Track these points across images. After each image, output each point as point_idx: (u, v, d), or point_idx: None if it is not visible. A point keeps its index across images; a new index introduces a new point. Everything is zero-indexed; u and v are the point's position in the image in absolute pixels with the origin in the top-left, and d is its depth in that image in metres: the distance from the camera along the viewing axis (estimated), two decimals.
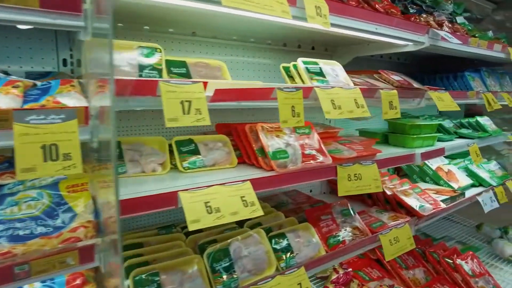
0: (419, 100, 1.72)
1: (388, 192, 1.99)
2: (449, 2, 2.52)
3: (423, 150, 1.81)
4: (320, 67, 1.37)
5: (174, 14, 1.36)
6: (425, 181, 2.53)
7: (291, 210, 1.79)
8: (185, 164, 1.30)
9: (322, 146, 1.44)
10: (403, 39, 1.63)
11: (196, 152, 1.35)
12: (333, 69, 1.42)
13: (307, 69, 1.33)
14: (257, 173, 1.23)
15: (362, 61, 2.38)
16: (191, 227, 0.95)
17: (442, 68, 2.83)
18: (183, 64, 1.26)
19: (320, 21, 1.15)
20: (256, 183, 1.17)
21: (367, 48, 1.94)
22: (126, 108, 0.90)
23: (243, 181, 1.13)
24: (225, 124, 1.55)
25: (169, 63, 1.24)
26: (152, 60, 1.17)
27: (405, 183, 2.17)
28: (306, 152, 1.36)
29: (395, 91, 1.50)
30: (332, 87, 1.26)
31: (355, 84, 1.44)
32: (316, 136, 1.46)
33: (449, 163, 2.64)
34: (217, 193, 1.06)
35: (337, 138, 1.71)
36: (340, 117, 1.22)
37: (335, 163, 1.41)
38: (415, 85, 1.66)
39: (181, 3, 0.97)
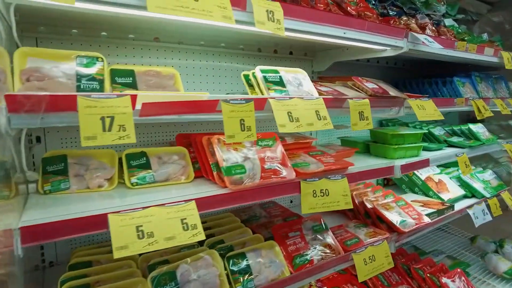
0: (398, 109, 1.61)
1: (369, 206, 1.88)
2: (442, 3, 2.40)
3: (403, 161, 1.70)
4: (280, 76, 1.27)
5: (124, 20, 1.28)
6: (414, 192, 2.40)
7: (262, 225, 1.69)
8: (134, 179, 1.22)
9: (286, 159, 1.34)
10: (379, 43, 1.52)
11: (146, 166, 1.26)
12: (295, 77, 1.33)
13: (265, 78, 1.24)
14: (209, 190, 1.14)
15: (346, 66, 2.28)
16: (116, 255, 0.87)
17: (436, 73, 2.71)
18: (130, 73, 1.18)
19: (272, 27, 1.05)
20: (204, 203, 1.08)
21: (345, 53, 1.84)
22: (44, 125, 0.82)
23: (187, 200, 1.04)
24: (185, 134, 1.46)
25: (115, 73, 1.16)
26: (92, 70, 1.09)
27: (389, 195, 2.06)
28: (267, 166, 1.27)
29: (366, 101, 1.40)
30: (290, 97, 1.16)
31: (321, 94, 1.34)
32: (280, 149, 1.36)
33: (440, 173, 2.51)
34: (153, 215, 0.97)
35: (310, 149, 1.61)
36: (297, 131, 1.13)
37: (299, 178, 1.31)
38: (392, 93, 1.55)
39: (101, 8, 0.88)
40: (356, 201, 1.95)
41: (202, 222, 1.61)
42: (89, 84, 1.07)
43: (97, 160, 1.25)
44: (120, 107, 0.85)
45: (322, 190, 1.34)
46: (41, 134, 1.39)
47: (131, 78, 1.17)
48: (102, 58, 1.11)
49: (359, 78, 1.56)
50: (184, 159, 1.35)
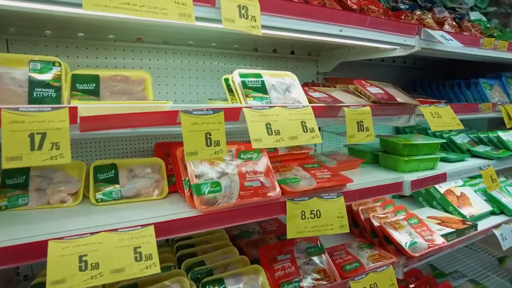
0: (407, 117, 1.40)
1: (376, 223, 1.68)
2: None
3: (414, 176, 1.49)
4: (262, 81, 1.11)
5: (100, 21, 1.17)
6: (432, 206, 2.16)
7: (253, 243, 1.54)
8: (99, 195, 1.11)
9: (272, 174, 1.18)
10: (384, 42, 1.33)
11: (114, 180, 1.15)
12: (282, 82, 1.16)
13: (244, 84, 1.08)
14: (176, 213, 1.01)
15: (356, 66, 2.07)
16: None
17: (461, 72, 2.43)
18: (94, 79, 1.07)
19: (245, 25, 0.90)
20: (166, 227, 0.95)
21: (351, 53, 1.65)
22: None
23: (145, 225, 0.91)
24: (166, 143, 1.34)
25: (76, 78, 1.05)
26: (48, 76, 0.98)
27: (401, 211, 1.84)
28: (247, 183, 1.11)
29: (366, 109, 1.21)
30: (271, 106, 1.01)
31: (311, 101, 1.17)
32: (264, 162, 1.20)
33: (463, 185, 2.25)
34: (101, 242, 0.85)
35: (305, 161, 1.44)
36: (277, 145, 0.97)
37: (285, 197, 1.15)
38: (400, 99, 1.35)
39: (36, 7, 0.77)
40: (362, 217, 1.76)
41: (187, 238, 1.50)
42: (43, 92, 0.96)
43: (64, 172, 1.15)
44: (55, 121, 0.73)
45: (313, 211, 1.17)
46: None
47: (94, 84, 1.05)
48: (59, 63, 1.00)
49: (362, 81, 1.37)
50: (159, 172, 1.23)
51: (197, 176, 1.08)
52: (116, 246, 0.86)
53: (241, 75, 1.09)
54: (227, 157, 1.16)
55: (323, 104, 1.13)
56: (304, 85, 1.69)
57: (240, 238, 1.59)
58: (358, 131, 1.19)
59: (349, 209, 1.77)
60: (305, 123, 1.04)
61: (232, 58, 1.67)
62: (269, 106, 1.00)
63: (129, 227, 0.90)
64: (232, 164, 1.15)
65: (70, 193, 1.11)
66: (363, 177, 1.51)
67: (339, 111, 1.17)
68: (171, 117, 0.86)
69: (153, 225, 0.93)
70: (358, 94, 1.36)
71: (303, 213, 1.16)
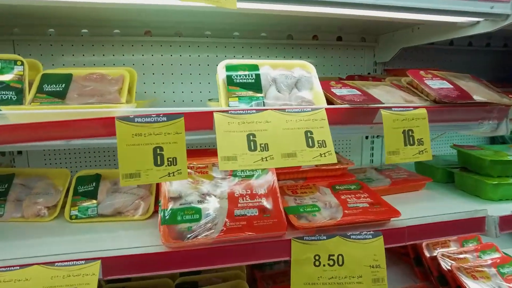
0: (496, 122, 0.93)
1: (445, 266, 1.22)
2: None
3: (506, 209, 1.00)
4: (257, 74, 0.81)
5: (103, 13, 1.03)
6: None
7: (272, 277, 1.25)
8: (74, 211, 0.96)
9: (278, 199, 0.88)
10: (463, 13, 0.89)
11: (93, 194, 0.98)
12: (289, 75, 0.83)
13: (230, 80, 0.80)
14: (137, 245, 0.79)
15: (426, 53, 1.58)
16: None
17: None
18: (65, 79, 0.91)
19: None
20: (117, 265, 0.74)
21: (416, 34, 1.22)
22: None
23: (89, 260, 0.71)
24: None
25: (46, 79, 0.90)
26: (8, 76, 0.86)
27: (489, 250, 1.33)
28: (239, 211, 0.84)
29: (420, 112, 0.81)
30: (259, 110, 0.70)
31: (331, 100, 0.81)
32: (270, 181, 0.90)
33: None
34: (29, 279, 0.68)
35: (340, 179, 1.09)
36: (261, 167, 0.67)
37: (292, 233, 0.84)
38: (479, 97, 0.89)
39: None
40: (427, 255, 1.31)
41: (195, 273, 1.26)
42: (2, 94, 0.84)
43: (47, 182, 1.04)
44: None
45: (332, 256, 0.83)
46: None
47: (63, 85, 0.90)
48: (21, 62, 0.87)
49: (420, 72, 0.95)
50: (147, 187, 1.03)
51: (173, 199, 0.84)
52: (47, 285, 0.67)
53: (229, 68, 0.81)
54: (218, 174, 0.90)
55: (347, 106, 0.78)
56: (348, 77, 1.32)
57: (260, 270, 1.31)
58: (406, 144, 0.80)
59: None
60: (311, 133, 0.71)
61: (259, 50, 1.39)
62: (255, 110, 0.70)
63: (69, 261, 0.72)
64: (223, 183, 0.88)
65: (47, 206, 0.99)
66: (425, 205, 1.09)
67: (374, 115, 0.80)
68: (105, 126, 0.64)
69: (100, 261, 0.73)
70: (414, 90, 0.95)
71: (317, 258, 0.83)
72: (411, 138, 0.81)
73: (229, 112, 0.69)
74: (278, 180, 1.06)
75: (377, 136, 1.55)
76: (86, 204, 0.97)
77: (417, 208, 1.07)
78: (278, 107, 0.73)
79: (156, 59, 1.31)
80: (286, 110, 0.72)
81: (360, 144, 1.55)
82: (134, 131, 0.64)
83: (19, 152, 1.26)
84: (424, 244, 1.33)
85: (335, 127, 0.75)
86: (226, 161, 0.65)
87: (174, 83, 1.34)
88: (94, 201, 0.97)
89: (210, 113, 0.68)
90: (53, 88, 0.89)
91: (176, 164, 0.66)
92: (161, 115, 0.66)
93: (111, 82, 0.92)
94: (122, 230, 0.91)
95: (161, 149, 0.66)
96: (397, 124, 0.80)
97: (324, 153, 0.70)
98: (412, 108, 0.82)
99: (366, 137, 1.55)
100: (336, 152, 1.25)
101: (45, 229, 0.91)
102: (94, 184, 1.00)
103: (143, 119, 0.65)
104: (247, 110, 0.70)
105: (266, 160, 0.67)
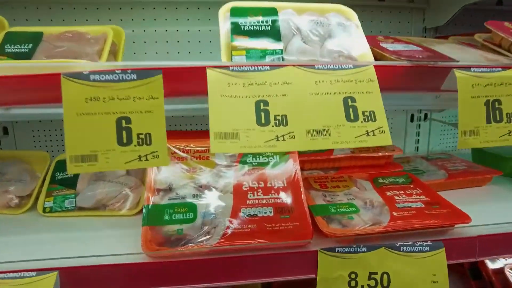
0: None
1: None
2: None
3: None
4: (274, 20, 0.57)
5: None
6: None
7: (297, 286, 1.03)
8: (49, 203, 0.79)
9: (303, 195, 0.65)
10: None
11: (72, 182, 0.80)
12: (321, 23, 0.59)
13: (237, 27, 0.56)
14: (112, 253, 0.60)
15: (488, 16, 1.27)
16: None
17: None
18: (34, 38, 0.72)
19: None
20: (78, 278, 0.55)
21: None
22: None
23: (43, 271, 0.53)
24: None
25: (10, 38, 0.72)
26: None
27: None
28: (246, 211, 0.62)
29: None
30: (274, 66, 0.47)
31: (382, 57, 0.57)
32: (291, 171, 0.68)
33: None
34: None
35: (384, 171, 0.85)
36: (275, 149, 0.44)
37: (320, 242, 0.61)
38: None
39: None
40: (490, 266, 1.04)
41: None
42: None
43: (24, 166, 0.87)
44: None
45: (374, 274, 0.61)
46: (8, 125, 1.11)
47: (30, 45, 0.70)
48: None
49: (506, 24, 0.68)
50: (139, 175, 0.84)
51: (160, 191, 0.64)
52: None
53: (235, 11, 0.58)
54: (222, 160, 0.68)
55: (405, 63, 0.53)
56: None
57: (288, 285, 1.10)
58: (489, 121, 0.54)
59: None
60: (353, 101, 0.47)
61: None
62: (269, 66, 0.47)
63: (16, 272, 0.53)
64: (228, 173, 0.67)
65: (19, 195, 0.82)
66: (496, 207, 0.82)
67: (443, 79, 0.55)
68: (48, 82, 0.44)
69: (57, 272, 0.54)
70: (496, 48, 0.68)
71: (353, 276, 0.60)
72: (497, 112, 0.55)
73: (230, 68, 0.47)
74: (302, 170, 0.83)
75: (425, 118, 1.28)
76: (63, 194, 0.79)
77: (486, 210, 0.81)
78: (302, 62, 0.50)
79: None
80: (316, 67, 0.49)
81: (403, 128, 1.28)
82: (88, 93, 0.43)
83: (5, 133, 1.11)
84: None
85: (386, 94, 0.50)
86: (221, 139, 0.43)
87: (180, 52, 1.12)
88: (73, 191, 0.79)
89: (202, 70, 0.47)
90: (17, 49, 0.70)
91: (150, 144, 0.45)
92: (128, 72, 0.45)
93: (90, 42, 0.72)
94: (103, 229, 0.72)
95: (128, 121, 0.45)
96: (478, 91, 0.54)
97: (373, 130, 0.46)
98: (500, 69, 0.56)
99: (411, 119, 1.27)
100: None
101: (11, 224, 0.74)
102: None
103: (102, 77, 0.44)
104: (257, 65, 0.47)
105: (284, 140, 0.44)
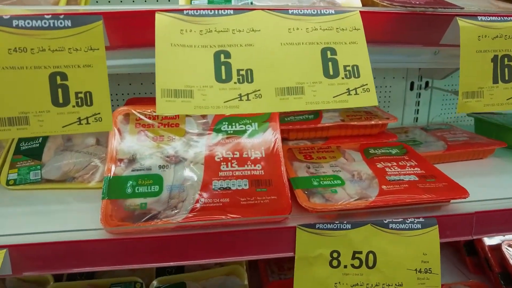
0: None
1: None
2: None
3: None
4: None
5: None
6: None
7: (283, 262, 0.99)
8: (13, 175, 0.73)
9: (282, 166, 0.59)
10: None
11: (38, 153, 0.74)
12: None
13: None
14: (71, 228, 0.55)
15: None
16: None
17: None
18: None
19: None
20: (31, 257, 0.50)
21: None
22: None
23: None
24: (139, 99, 0.86)
25: None
26: None
27: None
28: (219, 183, 0.56)
29: None
30: (239, 10, 0.39)
31: (374, 3, 0.48)
32: (270, 140, 0.61)
33: None
34: None
35: (377, 141, 0.78)
36: (241, 110, 0.37)
37: (300, 218, 0.56)
38: None
39: None
40: (487, 242, 1.00)
41: None
42: None
43: None
44: None
45: (359, 253, 0.55)
46: None
47: None
48: None
49: None
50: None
51: (122, 162, 0.57)
52: None
53: None
54: (193, 128, 0.61)
55: (398, 9, 0.45)
56: None
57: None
58: (496, 80, 0.47)
59: None
60: (333, 53, 0.39)
61: None
62: (233, 10, 0.39)
63: None
64: (200, 142, 0.60)
65: None
66: (496, 181, 0.76)
67: (443, 30, 0.47)
68: None
69: (6, 250, 0.49)
70: None
71: (335, 255, 0.55)
72: (506, 69, 0.47)
73: (184, 12, 0.39)
74: (287, 140, 0.76)
75: (426, 86, 1.19)
76: (28, 166, 0.73)
77: (485, 184, 0.75)
78: (274, 6, 0.41)
79: None
80: (290, 12, 0.41)
81: (402, 97, 1.19)
82: (11, 43, 0.36)
83: None
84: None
85: (374, 48, 0.42)
86: (170, 98, 0.36)
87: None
88: (39, 162, 0.73)
89: (151, 14, 0.39)
90: None
91: (90, 104, 0.38)
92: (61, 17, 0.37)
93: None
94: (69, 202, 0.67)
95: (64, 77, 0.38)
96: (485, 44, 0.46)
97: (356, 89, 0.39)
98: (509, 17, 0.47)
99: (411, 88, 1.19)
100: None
101: None
102: (40, 140, 0.76)
103: (28, 23, 0.37)
104: (218, 9, 0.39)
105: (248, 99, 0.37)
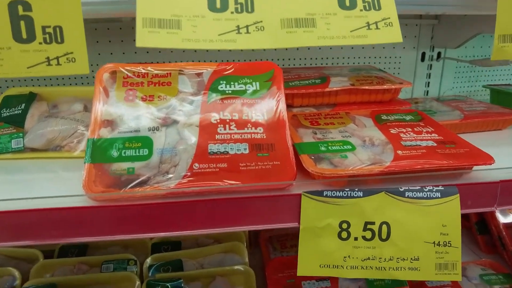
0: None
1: None
2: None
3: None
4: None
5: None
6: None
7: (286, 238, 0.95)
8: None
9: (287, 130, 0.53)
10: None
11: (20, 120, 0.68)
12: None
13: None
14: (54, 195, 0.49)
15: None
16: None
17: None
18: None
19: None
20: (5, 226, 0.45)
21: None
22: None
23: None
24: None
25: None
26: None
27: None
28: (216, 147, 0.50)
29: None
30: None
31: None
32: (272, 102, 0.55)
33: None
34: None
35: (388, 107, 0.71)
36: (239, 46, 0.31)
37: (305, 184, 0.50)
38: None
39: None
40: (501, 220, 0.94)
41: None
42: None
43: None
44: None
45: (371, 224, 0.50)
46: None
47: None
48: None
49: None
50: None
51: (108, 124, 0.51)
52: None
53: None
54: (187, 87, 0.55)
55: None
56: None
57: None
58: None
59: None
60: None
61: None
62: None
63: None
64: (194, 102, 0.54)
65: None
66: None
67: None
68: None
69: None
70: None
71: (344, 226, 0.50)
72: None
73: None
74: (291, 107, 0.70)
75: (438, 57, 1.12)
76: (9, 133, 0.67)
77: (509, 153, 0.69)
78: None
79: None
80: None
81: (412, 69, 1.12)
82: None
83: None
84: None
85: None
86: (153, 28, 0.29)
87: None
88: (21, 130, 0.67)
89: None
90: None
91: (61, 42, 0.32)
92: None
93: None
94: (52, 171, 0.61)
95: (27, 7, 0.31)
96: None
97: (376, 22, 0.32)
98: None
99: (422, 59, 1.11)
100: (380, 69, 0.86)
101: None
102: (23, 106, 0.70)
103: None
104: None
105: (248, 32, 0.31)
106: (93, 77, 0.62)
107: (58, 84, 0.95)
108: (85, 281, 0.72)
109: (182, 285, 0.71)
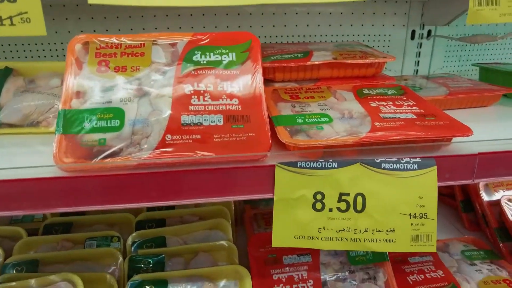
0: None
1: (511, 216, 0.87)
2: None
3: None
4: None
5: None
6: None
7: (271, 215, 0.95)
8: None
9: (263, 103, 0.52)
10: None
11: None
12: None
13: None
14: (26, 165, 0.48)
15: None
16: None
17: None
18: None
19: None
20: None
21: None
22: None
23: None
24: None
25: None
26: None
27: None
28: (189, 118, 0.49)
29: None
30: None
31: None
32: (252, 70, 0.54)
33: None
34: None
35: (371, 82, 0.70)
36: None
37: (280, 156, 0.50)
38: None
39: None
40: (485, 198, 0.95)
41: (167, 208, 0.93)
42: None
43: None
44: None
45: (346, 195, 0.49)
46: None
47: None
48: None
49: None
50: None
51: (79, 94, 0.50)
52: None
53: None
54: (161, 57, 0.54)
55: None
56: None
57: (252, 202, 1.02)
58: None
59: None
60: None
61: None
62: None
63: None
64: (168, 72, 0.53)
65: None
66: (502, 125, 0.70)
67: None
68: None
69: None
70: None
71: (319, 197, 0.49)
72: None
73: None
74: (272, 81, 0.69)
75: (428, 35, 1.10)
76: None
77: (490, 128, 0.68)
78: None
79: None
80: None
81: (402, 47, 1.11)
82: None
83: None
84: (482, 184, 0.96)
85: None
86: None
87: None
88: None
89: None
90: None
91: (13, 0, 0.30)
92: None
93: None
94: (30, 146, 0.60)
95: None
96: None
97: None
98: None
99: (412, 37, 1.10)
100: (366, 45, 0.85)
101: None
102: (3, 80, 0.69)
103: None
104: None
105: None
106: None
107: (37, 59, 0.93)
108: (67, 257, 0.72)
109: (165, 260, 0.72)
